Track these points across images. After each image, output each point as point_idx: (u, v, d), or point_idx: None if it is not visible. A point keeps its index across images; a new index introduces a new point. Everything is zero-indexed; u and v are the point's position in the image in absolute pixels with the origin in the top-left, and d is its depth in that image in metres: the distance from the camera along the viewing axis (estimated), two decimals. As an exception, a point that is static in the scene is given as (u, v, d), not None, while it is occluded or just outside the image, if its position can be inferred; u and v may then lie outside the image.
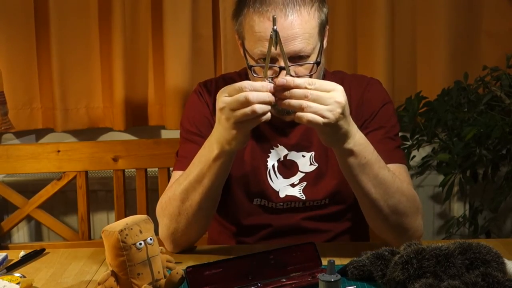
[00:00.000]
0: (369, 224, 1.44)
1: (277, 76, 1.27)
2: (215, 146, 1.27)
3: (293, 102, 1.18)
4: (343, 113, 1.19)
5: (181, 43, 2.15)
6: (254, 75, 1.35)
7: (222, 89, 1.21)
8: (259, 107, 1.17)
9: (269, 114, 1.19)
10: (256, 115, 1.17)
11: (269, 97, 1.17)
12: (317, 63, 1.34)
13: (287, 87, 1.18)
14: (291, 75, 1.25)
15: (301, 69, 1.34)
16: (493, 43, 2.22)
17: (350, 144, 1.24)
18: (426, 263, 1.10)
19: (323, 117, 1.17)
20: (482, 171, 2.18)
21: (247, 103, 1.17)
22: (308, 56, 1.33)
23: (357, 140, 1.25)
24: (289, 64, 1.26)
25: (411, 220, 1.36)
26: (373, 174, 1.29)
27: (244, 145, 1.27)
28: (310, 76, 1.33)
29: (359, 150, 1.26)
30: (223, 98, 1.20)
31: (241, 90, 1.18)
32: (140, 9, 2.19)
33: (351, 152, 1.26)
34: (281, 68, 1.29)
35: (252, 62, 1.36)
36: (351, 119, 1.24)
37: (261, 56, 1.33)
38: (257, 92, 1.17)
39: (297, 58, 1.33)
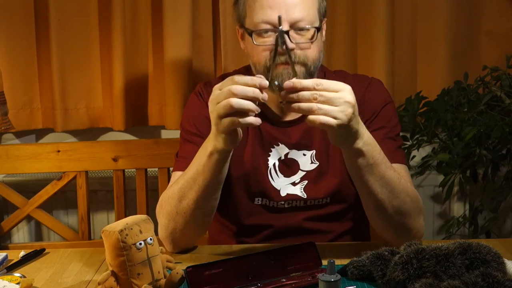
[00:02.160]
0: (371, 224, 1.44)
1: (278, 49, 1.27)
2: (209, 143, 1.27)
3: (303, 105, 1.16)
4: (354, 113, 1.18)
5: (181, 43, 2.15)
6: (255, 42, 1.36)
7: (217, 85, 1.21)
8: (235, 102, 1.14)
9: (257, 119, 1.17)
10: (233, 110, 1.15)
11: (254, 92, 1.15)
12: (318, 29, 1.36)
13: (294, 89, 1.17)
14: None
15: (302, 39, 1.35)
16: (493, 43, 2.22)
17: (359, 144, 1.24)
18: (426, 263, 1.10)
19: (335, 118, 1.16)
20: (482, 171, 2.18)
21: (230, 95, 1.15)
22: (308, 26, 1.35)
23: (366, 139, 1.25)
24: (290, 31, 1.29)
25: (414, 220, 1.37)
26: (380, 174, 1.28)
27: (235, 145, 1.24)
28: (312, 42, 1.35)
29: (367, 150, 1.25)
30: (214, 91, 1.20)
31: (231, 82, 1.17)
32: (140, 9, 2.19)
33: (360, 152, 1.25)
34: (282, 32, 1.26)
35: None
36: (359, 118, 1.23)
37: (262, 22, 1.35)
38: (242, 87, 1.15)
39: (297, 29, 1.35)
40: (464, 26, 2.21)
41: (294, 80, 1.18)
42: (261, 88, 1.16)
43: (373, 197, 1.31)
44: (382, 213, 1.34)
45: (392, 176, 1.30)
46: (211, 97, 1.20)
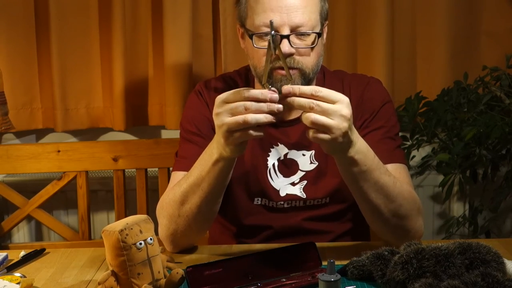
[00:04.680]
0: (370, 226, 1.44)
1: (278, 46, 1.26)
2: (215, 150, 1.26)
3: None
4: (348, 127, 1.17)
5: (181, 43, 2.15)
6: (255, 45, 1.36)
7: (221, 95, 1.19)
8: (251, 117, 1.14)
9: (261, 133, 1.17)
10: (247, 126, 1.15)
11: (269, 107, 1.15)
12: (319, 34, 1.36)
13: (292, 95, 1.16)
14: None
15: (303, 44, 1.35)
16: (493, 43, 2.22)
17: (351, 153, 1.23)
18: (426, 263, 1.10)
19: (330, 132, 1.15)
20: (482, 171, 2.18)
21: (244, 112, 1.15)
22: (309, 31, 1.35)
23: (358, 148, 1.24)
24: (290, 36, 1.29)
25: (412, 222, 1.36)
26: (374, 181, 1.28)
27: (241, 153, 1.24)
28: (312, 49, 1.35)
29: (360, 158, 1.25)
30: (221, 104, 1.19)
31: (240, 95, 1.16)
32: (140, 9, 2.19)
33: (352, 160, 1.24)
34: (282, 37, 1.28)
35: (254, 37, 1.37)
36: (354, 128, 1.23)
37: (264, 25, 1.34)
38: (256, 103, 1.15)
39: (298, 34, 1.34)
40: (464, 26, 2.21)
41: (293, 86, 1.17)
42: (272, 102, 1.15)
43: (368, 203, 1.31)
44: (378, 217, 1.34)
45: (387, 181, 1.30)
46: (218, 109, 1.18)
